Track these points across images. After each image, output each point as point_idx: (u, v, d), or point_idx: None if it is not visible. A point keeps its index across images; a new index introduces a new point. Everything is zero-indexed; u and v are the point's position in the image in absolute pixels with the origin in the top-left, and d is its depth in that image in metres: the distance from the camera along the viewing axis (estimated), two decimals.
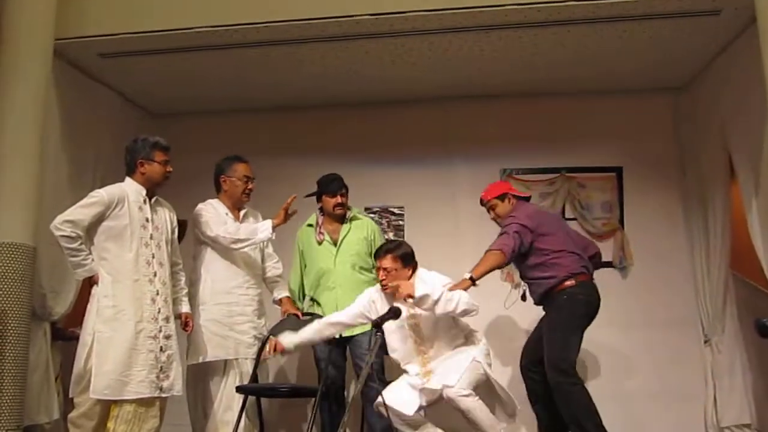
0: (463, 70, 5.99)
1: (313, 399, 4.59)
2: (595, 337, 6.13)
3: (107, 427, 4.02)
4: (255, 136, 6.80)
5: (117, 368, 4.04)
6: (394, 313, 4.05)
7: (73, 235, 4.14)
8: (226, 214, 5.02)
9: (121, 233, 4.24)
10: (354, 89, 6.37)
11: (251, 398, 4.75)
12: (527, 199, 5.21)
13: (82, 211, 4.21)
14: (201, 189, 6.54)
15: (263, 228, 4.86)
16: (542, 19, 5.07)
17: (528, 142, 6.56)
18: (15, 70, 5.13)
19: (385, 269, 4.56)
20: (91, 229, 4.27)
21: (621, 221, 6.38)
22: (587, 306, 4.72)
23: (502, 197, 5.00)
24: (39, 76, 5.22)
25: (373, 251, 5.06)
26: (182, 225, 6.01)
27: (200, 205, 5.07)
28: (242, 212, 5.09)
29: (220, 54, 5.61)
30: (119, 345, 4.07)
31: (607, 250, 6.27)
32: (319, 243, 5.23)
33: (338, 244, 5.22)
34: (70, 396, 4.19)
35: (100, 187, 5.25)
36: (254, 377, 4.83)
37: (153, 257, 4.32)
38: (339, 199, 5.23)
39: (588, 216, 6.39)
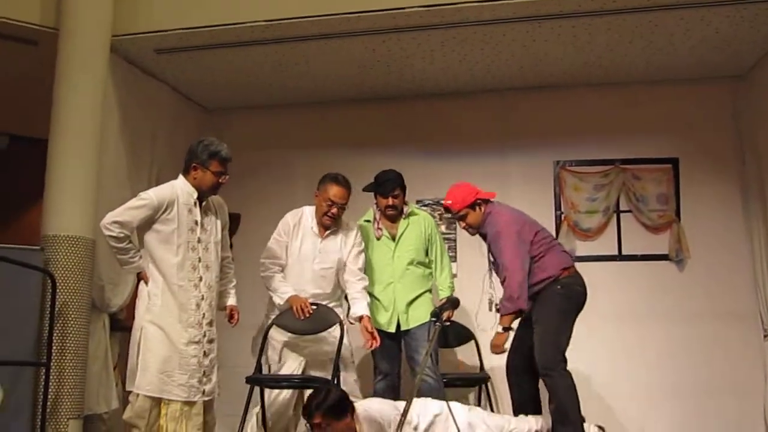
0: (516, 62, 5.94)
1: None
2: (651, 331, 6.09)
3: (160, 425, 4.07)
4: (307, 130, 6.85)
5: (161, 366, 4.08)
6: (452, 304, 4.02)
7: (121, 236, 4.17)
8: (312, 228, 4.99)
9: (168, 237, 4.22)
10: (407, 81, 6.36)
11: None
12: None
13: (131, 213, 4.20)
14: (255, 184, 6.66)
15: (281, 293, 4.86)
16: (596, 8, 5.00)
17: (582, 133, 6.48)
18: (74, 67, 5.24)
19: (318, 425, 4.00)
20: (140, 231, 4.27)
21: (677, 213, 6.27)
22: (580, 296, 4.53)
23: (473, 206, 4.66)
24: (97, 73, 5.34)
25: (430, 246, 5.16)
26: (236, 219, 6.11)
27: (289, 214, 5.06)
28: (327, 231, 4.99)
29: (275, 48, 5.65)
30: (164, 344, 4.12)
31: (663, 242, 6.19)
32: (378, 238, 5.24)
33: (396, 240, 5.22)
34: (127, 389, 4.24)
35: (156, 182, 5.40)
36: (258, 368, 4.83)
37: (199, 261, 4.29)
38: (390, 201, 5.20)
39: (643, 208, 6.29)
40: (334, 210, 4.89)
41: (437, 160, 6.54)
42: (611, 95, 6.44)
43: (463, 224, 4.72)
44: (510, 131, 6.54)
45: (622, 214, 6.36)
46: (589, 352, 5.87)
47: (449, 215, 4.86)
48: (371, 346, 4.74)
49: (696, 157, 6.30)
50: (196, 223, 4.29)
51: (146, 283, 4.20)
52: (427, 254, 5.27)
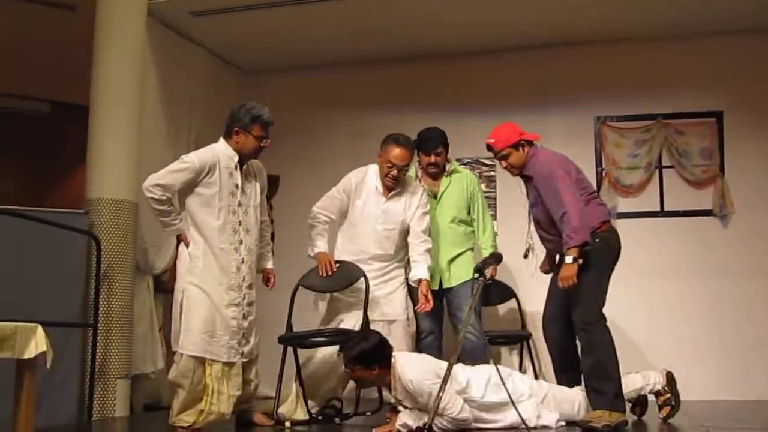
0: (555, 16, 5.85)
1: None
2: (693, 287, 6.04)
3: (206, 384, 4.13)
4: (347, 90, 6.83)
5: (202, 327, 4.12)
6: (496, 259, 3.98)
7: (163, 198, 4.18)
8: (376, 188, 4.92)
9: (210, 201, 4.22)
10: (445, 40, 6.31)
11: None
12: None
13: (173, 176, 4.20)
14: (293, 145, 6.66)
15: (311, 247, 4.89)
16: None
17: (622, 88, 6.38)
18: (111, 31, 5.28)
19: (346, 368, 4.16)
20: (181, 194, 4.28)
21: (721, 168, 6.17)
22: (617, 251, 4.38)
23: (516, 146, 4.50)
24: (135, 37, 5.37)
25: (472, 205, 5.16)
26: (275, 181, 6.12)
27: (353, 172, 4.98)
28: (391, 192, 4.91)
29: (310, 8, 5.62)
30: (205, 305, 4.15)
31: (706, 198, 6.11)
32: None
33: (438, 198, 5.19)
34: (172, 350, 4.30)
35: (195, 145, 5.43)
36: (289, 326, 4.81)
37: (240, 224, 4.29)
38: (433, 159, 5.16)
39: (686, 163, 6.20)
40: (395, 172, 4.82)
41: (476, 118, 6.45)
42: (652, 48, 6.32)
43: (505, 164, 4.55)
44: (550, 88, 6.45)
45: (664, 170, 6.28)
46: (631, 308, 5.86)
47: (489, 152, 4.77)
48: (423, 309, 4.74)
49: (740, 110, 6.18)
50: (237, 186, 4.30)
51: (186, 245, 4.25)
52: (469, 212, 5.23)
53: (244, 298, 4.26)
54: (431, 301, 4.73)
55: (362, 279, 4.72)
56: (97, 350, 4.94)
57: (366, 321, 4.58)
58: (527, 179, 4.53)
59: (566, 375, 4.46)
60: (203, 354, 4.09)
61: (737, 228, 6.06)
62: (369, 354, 4.02)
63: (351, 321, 4.78)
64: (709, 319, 6.00)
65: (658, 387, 4.40)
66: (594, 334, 4.21)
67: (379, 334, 4.18)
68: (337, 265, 4.84)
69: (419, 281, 4.76)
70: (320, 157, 6.65)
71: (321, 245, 4.90)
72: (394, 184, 4.88)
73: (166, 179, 4.18)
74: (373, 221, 4.89)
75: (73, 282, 4.95)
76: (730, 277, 6.00)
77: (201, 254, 4.19)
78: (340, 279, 4.83)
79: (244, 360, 4.26)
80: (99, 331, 4.97)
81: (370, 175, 4.94)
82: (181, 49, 6.10)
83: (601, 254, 4.32)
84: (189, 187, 4.22)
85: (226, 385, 4.16)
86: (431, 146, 5.14)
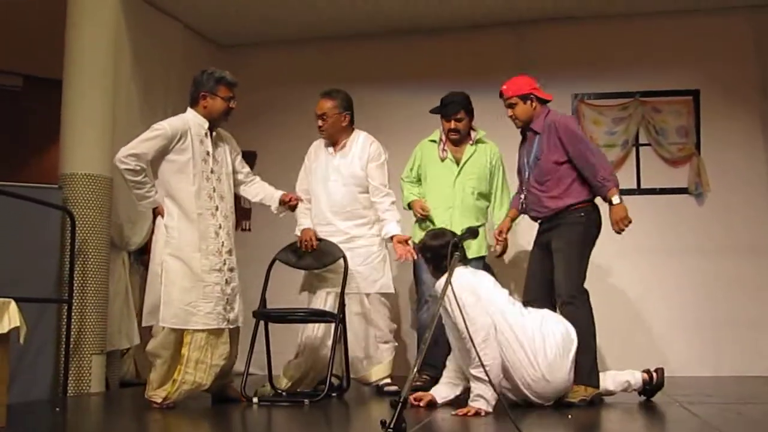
0: None
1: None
2: (670, 265, 6.09)
3: (181, 353, 4.10)
4: (323, 65, 6.76)
5: (184, 298, 4.10)
6: (472, 233, 3.97)
7: (138, 168, 4.14)
8: (327, 148, 4.97)
9: (184, 167, 4.21)
10: (422, 15, 6.28)
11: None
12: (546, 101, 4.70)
13: (145, 144, 4.17)
14: (271, 121, 6.62)
15: (298, 225, 4.90)
16: None
17: (600, 65, 6.40)
18: (85, 4, 5.19)
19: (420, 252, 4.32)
20: (155, 162, 4.25)
21: (697, 146, 6.21)
22: (599, 227, 4.45)
23: (524, 97, 4.54)
24: (109, 9, 5.28)
25: (492, 178, 5.11)
26: (252, 157, 6.09)
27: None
28: (335, 148, 4.96)
29: None
30: (186, 276, 4.13)
31: (682, 175, 6.17)
32: (442, 160, 5.14)
33: (461, 166, 5.12)
34: (143, 325, 4.27)
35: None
36: (263, 301, 4.76)
37: (214, 191, 4.28)
38: (453, 125, 5.07)
39: (663, 141, 6.23)
40: (319, 122, 4.89)
41: None
42: (630, 26, 6.33)
43: (510, 112, 4.60)
44: (527, 65, 6.38)
45: (641, 148, 6.32)
46: (608, 286, 5.90)
47: (501, 98, 4.69)
48: (404, 259, 4.71)
49: (717, 89, 6.22)
50: (208, 154, 4.29)
51: (162, 217, 4.22)
52: (489, 186, 5.17)
53: (225, 264, 4.25)
54: (412, 251, 4.69)
55: (341, 260, 4.72)
56: (72, 326, 4.90)
57: (342, 303, 4.59)
58: (526, 134, 4.57)
59: None
60: (185, 325, 4.08)
61: (712, 206, 6.12)
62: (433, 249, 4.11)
63: (321, 297, 4.79)
64: (684, 296, 6.06)
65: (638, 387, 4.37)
66: (577, 307, 4.26)
67: (453, 236, 4.05)
68: (318, 242, 4.83)
69: (392, 239, 4.76)
70: (297, 133, 6.57)
71: (305, 222, 4.89)
72: (327, 136, 4.90)
73: (138, 148, 4.15)
74: (324, 180, 4.90)
75: (47, 257, 4.89)
76: (705, 255, 6.06)
77: (176, 224, 4.17)
78: (320, 257, 4.83)
79: (231, 327, 4.25)
80: (74, 307, 4.93)
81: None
82: (157, 23, 6.02)
83: (584, 229, 4.37)
84: (161, 155, 4.19)
85: (210, 353, 4.15)
86: (450, 111, 5.07)
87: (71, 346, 4.90)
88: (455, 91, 5.15)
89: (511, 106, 4.55)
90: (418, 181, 5.27)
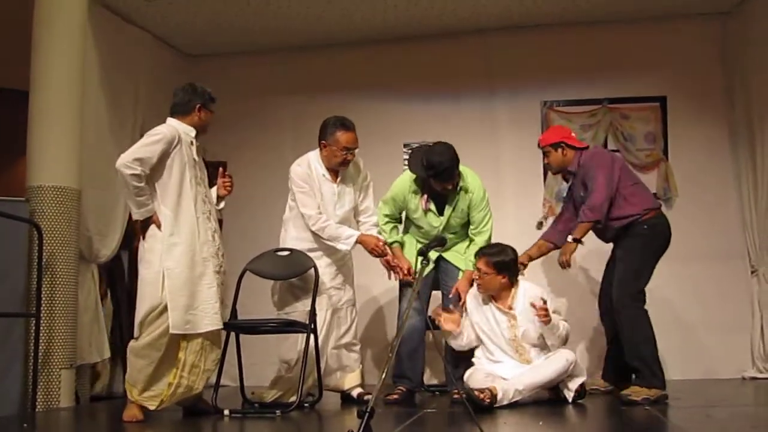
0: (503, 0, 5.88)
1: None
2: None
3: (178, 357, 4.15)
4: (293, 76, 6.76)
5: (193, 303, 4.15)
6: (439, 242, 4.01)
7: (142, 173, 4.12)
8: (323, 175, 4.89)
9: (182, 172, 4.25)
10: (390, 24, 6.29)
11: None
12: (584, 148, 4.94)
13: (148, 149, 4.16)
14: (240, 133, 6.59)
15: (345, 239, 4.78)
16: None
17: (569, 73, 6.44)
18: (51, 13, 5.14)
19: (478, 270, 4.60)
20: (152, 168, 4.22)
21: (665, 152, 6.27)
22: (665, 239, 4.78)
23: (555, 146, 4.89)
24: (76, 20, 5.23)
25: (473, 211, 4.94)
26: (223, 166, 6.05)
27: (297, 165, 4.91)
28: (339, 177, 4.92)
29: None
30: (192, 281, 4.17)
31: (651, 181, 6.17)
32: (425, 212, 4.96)
33: (447, 217, 4.94)
34: (135, 336, 4.21)
35: (141, 130, 5.36)
36: (234, 313, 4.69)
37: (206, 195, 4.39)
38: (450, 186, 4.83)
39: (631, 147, 6.28)
40: (350, 156, 4.83)
41: (422, 103, 6.50)
42: (598, 33, 6.38)
43: (546, 160, 5.01)
44: (497, 72, 6.48)
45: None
46: (577, 292, 5.93)
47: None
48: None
49: (684, 96, 6.27)
50: (195, 161, 4.35)
51: (158, 227, 4.20)
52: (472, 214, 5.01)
53: (220, 267, 4.34)
54: (408, 263, 4.87)
55: (312, 270, 4.71)
56: (40, 341, 4.83)
57: (313, 311, 4.58)
58: (571, 176, 4.91)
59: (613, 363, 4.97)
60: (196, 330, 4.15)
61: (680, 211, 6.14)
62: (505, 264, 4.53)
63: (299, 308, 4.78)
64: (652, 300, 6.07)
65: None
66: (626, 314, 4.59)
67: (515, 251, 4.64)
68: (287, 252, 4.83)
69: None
70: (265, 144, 6.59)
71: (353, 232, 4.84)
72: (346, 168, 4.90)
73: (142, 153, 4.15)
74: (333, 206, 4.89)
75: (14, 271, 4.83)
76: (674, 259, 6.05)
77: (175, 230, 4.19)
78: (292, 267, 4.82)
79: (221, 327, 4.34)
80: (42, 321, 4.85)
81: (314, 162, 4.92)
82: (124, 33, 5.98)
83: (646, 240, 4.68)
84: (160, 161, 4.20)
85: (204, 358, 4.22)
86: (446, 178, 4.79)
87: (39, 360, 4.83)
88: (439, 149, 4.79)
89: (545, 154, 4.96)
90: (398, 219, 5.17)
